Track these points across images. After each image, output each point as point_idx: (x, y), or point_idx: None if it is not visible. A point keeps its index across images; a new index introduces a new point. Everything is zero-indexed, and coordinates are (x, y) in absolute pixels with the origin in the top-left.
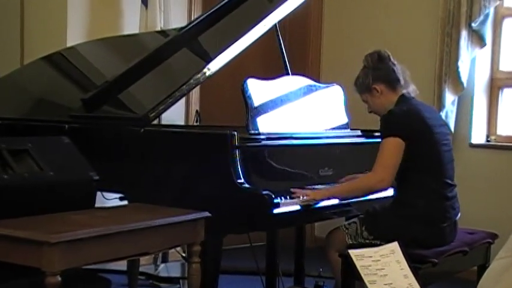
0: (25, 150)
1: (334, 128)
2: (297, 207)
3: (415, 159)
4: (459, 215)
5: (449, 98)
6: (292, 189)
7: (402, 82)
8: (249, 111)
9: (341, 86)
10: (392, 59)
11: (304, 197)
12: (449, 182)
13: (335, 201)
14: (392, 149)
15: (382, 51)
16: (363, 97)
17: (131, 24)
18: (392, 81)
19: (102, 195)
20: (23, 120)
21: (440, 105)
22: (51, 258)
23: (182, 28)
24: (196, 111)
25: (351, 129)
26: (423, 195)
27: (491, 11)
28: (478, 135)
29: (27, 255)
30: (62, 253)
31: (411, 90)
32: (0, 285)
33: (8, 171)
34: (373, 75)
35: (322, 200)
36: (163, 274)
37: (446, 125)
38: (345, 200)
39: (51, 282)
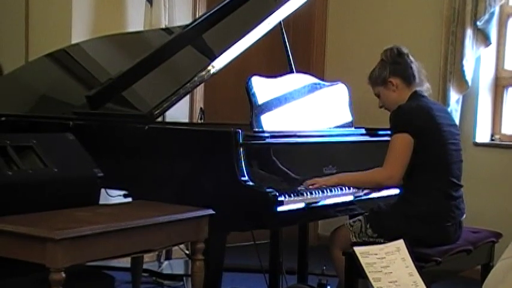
0: (30, 147)
1: (338, 126)
2: (301, 205)
3: (421, 156)
4: (464, 215)
5: (454, 97)
6: (307, 182)
7: (417, 80)
8: (253, 109)
9: (345, 84)
10: (410, 56)
11: (315, 185)
12: (455, 181)
13: (339, 200)
14: (402, 145)
15: (401, 47)
16: (376, 90)
17: (136, 21)
18: (408, 77)
19: (106, 192)
20: (27, 117)
21: (445, 103)
22: (55, 255)
23: (187, 26)
24: (201, 108)
25: (355, 128)
26: (427, 194)
27: (497, 9)
28: (483, 134)
29: (31, 252)
30: (66, 249)
31: (425, 88)
32: (5, 281)
33: (13, 168)
34: (390, 69)
35: (333, 186)
36: (166, 271)
37: (456, 125)
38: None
39: (55, 279)
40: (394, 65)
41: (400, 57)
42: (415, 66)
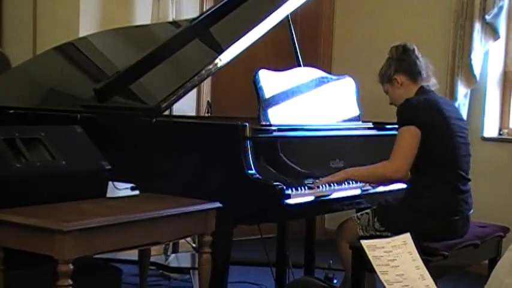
0: (38, 139)
1: (345, 120)
2: (308, 199)
3: (429, 149)
4: (472, 211)
5: (462, 91)
6: (317, 181)
7: (424, 75)
8: (261, 103)
9: (353, 78)
10: (417, 52)
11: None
12: (464, 174)
13: (346, 193)
14: (409, 138)
15: (408, 44)
16: (384, 87)
17: (143, 14)
18: (413, 73)
19: (114, 184)
20: (35, 110)
21: (453, 98)
22: (63, 247)
23: (194, 19)
24: (208, 102)
25: (362, 121)
26: (435, 187)
27: (506, 3)
28: (490, 129)
29: (39, 243)
30: (74, 241)
31: (431, 83)
32: (13, 272)
33: (21, 160)
34: (395, 66)
35: (340, 181)
36: (173, 264)
37: (464, 120)
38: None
39: (63, 271)
40: (399, 62)
41: (405, 54)
42: (420, 62)
